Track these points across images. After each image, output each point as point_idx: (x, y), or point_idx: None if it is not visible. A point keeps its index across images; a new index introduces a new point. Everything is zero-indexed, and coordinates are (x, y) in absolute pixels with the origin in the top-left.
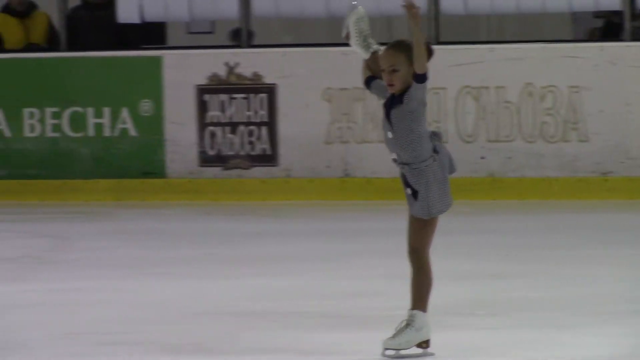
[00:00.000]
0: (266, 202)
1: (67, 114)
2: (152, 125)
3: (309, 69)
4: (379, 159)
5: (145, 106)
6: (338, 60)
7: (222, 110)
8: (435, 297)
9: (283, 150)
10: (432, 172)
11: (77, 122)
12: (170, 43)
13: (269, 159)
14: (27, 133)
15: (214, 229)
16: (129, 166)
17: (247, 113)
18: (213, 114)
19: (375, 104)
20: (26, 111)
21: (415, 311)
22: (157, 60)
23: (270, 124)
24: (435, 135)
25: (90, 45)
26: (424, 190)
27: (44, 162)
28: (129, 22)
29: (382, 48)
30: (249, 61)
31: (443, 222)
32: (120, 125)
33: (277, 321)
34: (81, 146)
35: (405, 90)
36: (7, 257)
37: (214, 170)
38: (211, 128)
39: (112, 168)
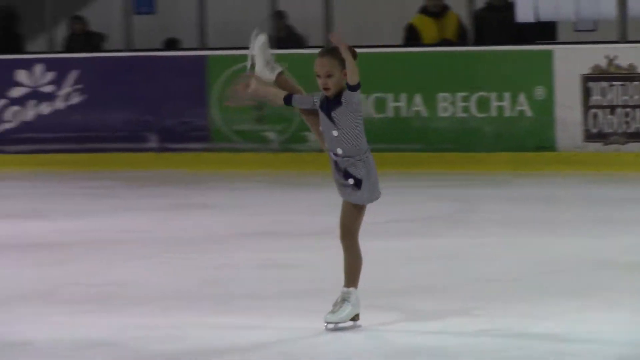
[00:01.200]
0: None
1: (474, 98)
2: (545, 108)
3: None
4: None
5: (539, 92)
6: None
7: (603, 95)
8: None
9: None
10: (371, 162)
11: (483, 105)
12: (560, 39)
13: None
14: (441, 113)
15: (597, 195)
16: (525, 141)
17: (624, 98)
18: (595, 98)
19: None
20: (440, 95)
21: (350, 288)
22: (548, 54)
23: None
24: None
25: (493, 40)
26: (366, 179)
27: (454, 138)
28: (525, 21)
29: (285, 68)
30: (625, 54)
31: None
32: (518, 108)
33: None
34: (485, 125)
35: (338, 92)
36: (418, 217)
37: (596, 145)
38: (594, 110)
39: (511, 143)
